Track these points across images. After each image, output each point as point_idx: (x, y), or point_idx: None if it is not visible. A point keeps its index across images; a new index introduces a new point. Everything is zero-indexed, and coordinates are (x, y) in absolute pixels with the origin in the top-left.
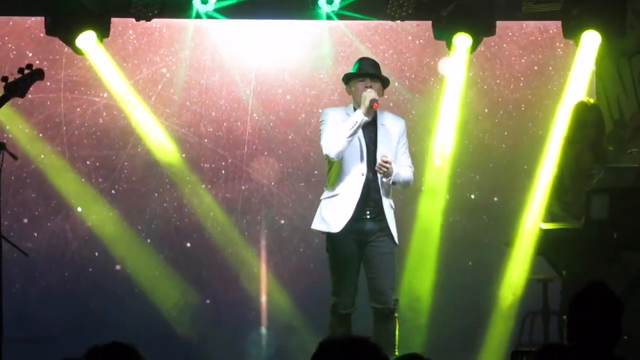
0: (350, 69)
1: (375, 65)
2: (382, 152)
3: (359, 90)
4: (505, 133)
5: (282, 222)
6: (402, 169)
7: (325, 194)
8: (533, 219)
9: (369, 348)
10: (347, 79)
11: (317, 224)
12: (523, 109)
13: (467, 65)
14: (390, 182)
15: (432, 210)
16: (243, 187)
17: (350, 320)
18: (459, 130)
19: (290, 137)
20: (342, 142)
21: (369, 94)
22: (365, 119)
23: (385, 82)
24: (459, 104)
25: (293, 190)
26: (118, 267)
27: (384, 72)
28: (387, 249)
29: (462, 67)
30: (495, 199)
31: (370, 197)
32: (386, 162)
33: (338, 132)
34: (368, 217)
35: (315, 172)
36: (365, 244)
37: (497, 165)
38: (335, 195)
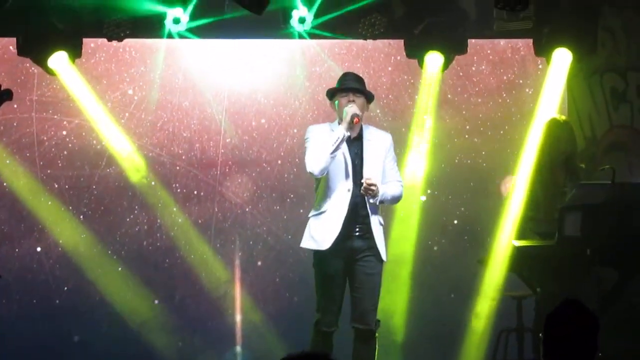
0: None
1: (358, 79)
2: (369, 168)
3: (342, 105)
4: (476, 148)
5: (256, 242)
6: (390, 186)
7: (313, 211)
8: (506, 237)
9: None
10: (331, 94)
11: (306, 242)
12: (496, 126)
13: (438, 83)
14: (377, 202)
15: (405, 229)
16: (216, 208)
17: (332, 339)
18: (432, 149)
19: (263, 157)
20: (324, 158)
21: (350, 109)
22: (347, 134)
23: (369, 97)
24: (431, 120)
25: (267, 210)
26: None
27: None
28: (373, 269)
29: (434, 85)
30: (470, 217)
31: (357, 214)
32: (371, 184)
33: (321, 148)
34: (356, 234)
35: (290, 192)
36: (352, 262)
37: (470, 184)
38: (323, 212)
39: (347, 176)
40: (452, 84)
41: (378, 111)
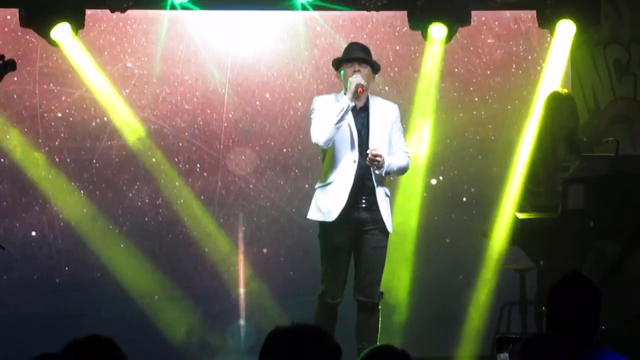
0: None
1: (364, 49)
2: (375, 138)
3: (347, 75)
4: (478, 121)
5: (260, 215)
6: (396, 157)
7: (319, 182)
8: (509, 209)
9: (319, 336)
10: (337, 64)
11: (313, 214)
12: (499, 99)
13: (441, 55)
14: (383, 173)
15: (408, 202)
16: (220, 181)
17: (337, 310)
18: (437, 122)
19: (267, 130)
20: (329, 129)
21: (355, 79)
22: (352, 104)
23: (375, 67)
24: (434, 93)
25: (270, 182)
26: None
27: None
28: (379, 242)
29: (437, 57)
30: (473, 190)
31: (363, 185)
32: (376, 155)
33: (325, 119)
34: (362, 206)
35: (294, 166)
36: (358, 235)
37: (474, 157)
38: (329, 183)
39: (352, 147)
40: (457, 57)
41: (384, 87)
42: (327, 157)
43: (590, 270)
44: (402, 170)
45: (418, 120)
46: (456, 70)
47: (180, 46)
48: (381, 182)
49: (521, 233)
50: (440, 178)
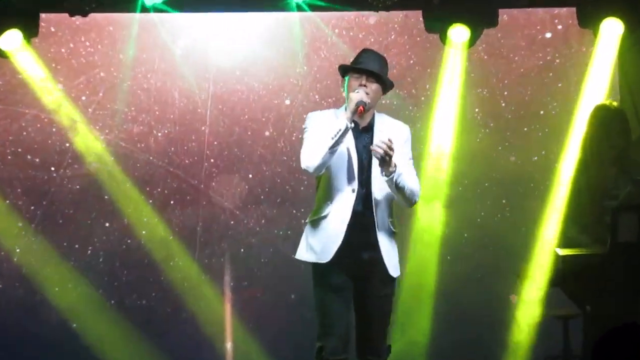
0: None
1: (378, 60)
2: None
3: (351, 87)
4: (509, 143)
5: (250, 253)
6: (408, 176)
7: (312, 215)
8: (548, 245)
9: None
10: (344, 71)
11: (303, 253)
12: (532, 114)
13: (464, 62)
14: (392, 179)
15: (428, 234)
16: (202, 215)
17: None
18: (457, 140)
19: (258, 152)
20: (321, 153)
21: (356, 95)
22: (351, 125)
23: (387, 84)
24: (457, 109)
25: (262, 215)
26: None
27: None
28: (383, 290)
29: (459, 65)
30: (502, 221)
31: (364, 219)
32: (387, 144)
33: (319, 141)
34: (362, 243)
35: (289, 195)
36: (358, 280)
37: (503, 182)
38: (323, 216)
39: (351, 174)
40: (480, 64)
41: (394, 101)
42: (321, 186)
43: None
44: (412, 195)
45: (436, 142)
46: (481, 80)
47: (153, 55)
48: (386, 214)
49: (563, 272)
50: (465, 208)
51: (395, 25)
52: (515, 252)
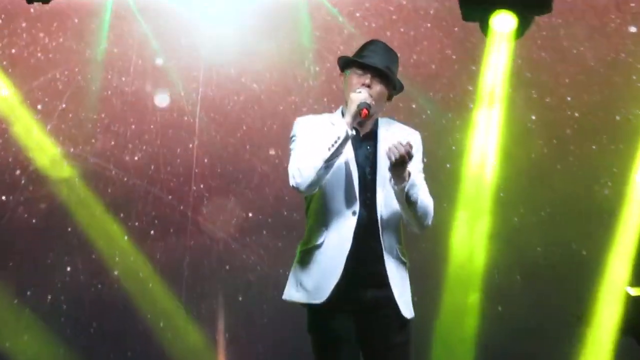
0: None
1: (387, 54)
2: (385, 180)
3: (351, 85)
4: (571, 158)
5: (247, 293)
6: (421, 190)
7: (302, 244)
8: (617, 282)
9: None
10: (343, 65)
11: (292, 292)
12: (601, 122)
13: (510, 57)
14: (403, 189)
15: (466, 270)
16: (191, 244)
17: None
18: (506, 156)
19: (258, 170)
20: (316, 167)
21: (357, 96)
22: (352, 133)
23: (395, 85)
24: (503, 113)
25: (261, 245)
26: None
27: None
28: (397, 337)
29: (505, 60)
30: (562, 255)
31: (368, 249)
32: (406, 148)
33: (312, 153)
34: (366, 278)
35: (297, 219)
36: (363, 324)
37: (561, 207)
38: (316, 246)
39: (351, 193)
40: (531, 59)
41: (425, 107)
42: (313, 208)
43: None
44: (425, 214)
45: (479, 157)
46: (532, 78)
47: (129, 51)
48: (394, 242)
49: (635, 316)
50: (515, 239)
51: (427, 13)
52: (577, 288)
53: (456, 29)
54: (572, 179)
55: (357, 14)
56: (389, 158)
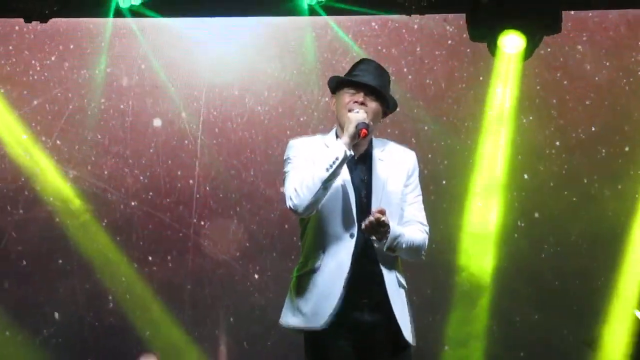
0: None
1: (379, 73)
2: (381, 201)
3: (344, 105)
4: (585, 175)
5: (250, 318)
6: (409, 230)
7: (298, 268)
8: (627, 306)
9: None
10: (334, 87)
11: (289, 318)
12: (609, 142)
13: (518, 78)
14: (385, 247)
15: (475, 291)
16: (192, 266)
17: None
18: (510, 175)
19: (261, 190)
20: (313, 190)
21: (356, 116)
22: (350, 153)
23: (388, 103)
24: (511, 136)
25: (266, 267)
26: None
27: (394, 88)
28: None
29: (513, 81)
30: (568, 279)
31: (366, 272)
32: (380, 222)
33: (308, 175)
34: (365, 303)
35: (298, 244)
36: (364, 350)
37: (569, 226)
38: (313, 270)
39: (349, 215)
40: (540, 80)
41: (430, 125)
42: (310, 232)
43: None
44: (415, 251)
45: (485, 182)
46: (541, 99)
47: (130, 71)
48: (393, 265)
49: None
50: (523, 260)
51: (434, 33)
52: (586, 312)
53: (462, 48)
54: (581, 195)
55: (364, 35)
56: (368, 235)
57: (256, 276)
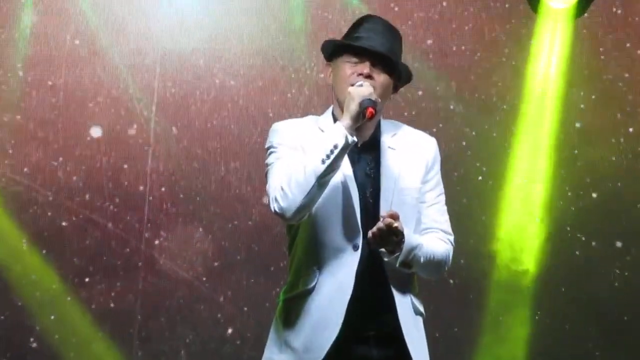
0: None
1: (388, 35)
2: (391, 203)
3: (344, 78)
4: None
5: (222, 353)
6: (428, 238)
7: (287, 290)
8: None
9: None
10: (330, 53)
11: (274, 354)
12: None
13: (569, 40)
14: (397, 263)
15: (512, 316)
16: (144, 288)
17: None
18: (556, 166)
19: (235, 192)
20: (306, 188)
21: (360, 91)
22: (354, 139)
23: (401, 74)
24: (557, 110)
25: (240, 289)
26: None
27: (407, 57)
28: None
29: (561, 44)
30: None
31: (373, 294)
32: (392, 229)
33: (299, 168)
34: (371, 335)
35: (281, 254)
36: None
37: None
38: (306, 292)
39: (352, 222)
40: (600, 44)
41: (459, 105)
42: (301, 243)
43: None
44: (436, 267)
45: (522, 165)
46: (603, 69)
47: (60, 33)
48: (408, 286)
49: None
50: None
51: None
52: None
53: (494, 4)
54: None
55: None
56: (375, 247)
57: (227, 301)
